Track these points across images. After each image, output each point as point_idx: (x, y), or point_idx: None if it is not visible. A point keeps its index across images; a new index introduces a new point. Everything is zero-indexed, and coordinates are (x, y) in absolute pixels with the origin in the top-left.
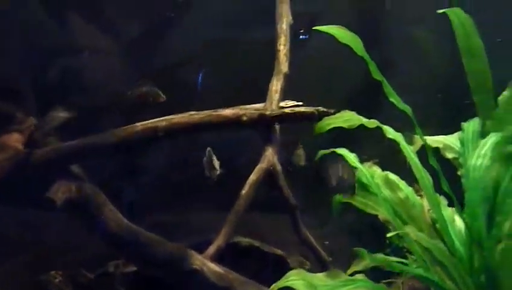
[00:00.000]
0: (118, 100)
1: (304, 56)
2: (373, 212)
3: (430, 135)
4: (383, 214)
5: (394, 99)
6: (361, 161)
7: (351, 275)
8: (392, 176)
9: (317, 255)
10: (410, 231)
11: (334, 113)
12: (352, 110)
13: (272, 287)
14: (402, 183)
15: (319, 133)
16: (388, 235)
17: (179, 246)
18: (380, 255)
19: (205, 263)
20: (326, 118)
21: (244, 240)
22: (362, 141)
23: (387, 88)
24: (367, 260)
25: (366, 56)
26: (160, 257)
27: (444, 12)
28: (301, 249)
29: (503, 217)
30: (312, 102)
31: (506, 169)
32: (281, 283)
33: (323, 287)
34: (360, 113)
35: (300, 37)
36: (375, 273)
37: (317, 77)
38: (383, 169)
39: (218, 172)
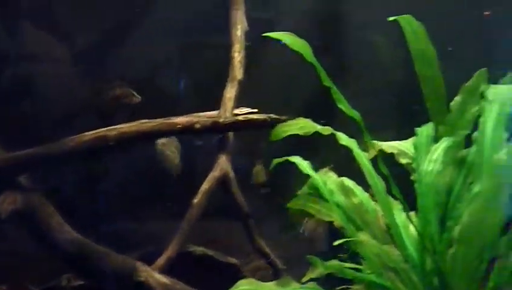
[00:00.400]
0: (88, 105)
1: (260, 63)
2: (327, 218)
3: (387, 140)
4: (336, 220)
5: (343, 105)
6: (317, 168)
7: (305, 282)
8: (348, 182)
9: (271, 264)
10: (363, 237)
11: (286, 120)
12: (311, 117)
13: None
14: (357, 189)
15: (274, 141)
16: (335, 243)
17: (126, 258)
18: (333, 262)
19: (152, 275)
20: (281, 125)
21: (198, 249)
22: (323, 149)
23: (336, 94)
24: (320, 268)
25: (316, 63)
26: (106, 270)
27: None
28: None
29: (453, 222)
30: (269, 109)
31: (458, 173)
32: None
33: None
34: (318, 120)
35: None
36: (333, 281)
37: (275, 84)
38: (341, 176)
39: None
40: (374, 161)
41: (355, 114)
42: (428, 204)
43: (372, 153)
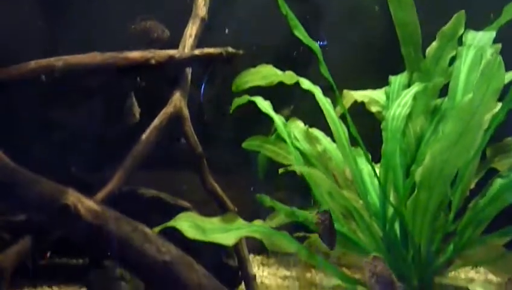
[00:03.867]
0: None
1: (232, 11)
2: (284, 161)
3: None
4: (293, 162)
5: (299, 33)
6: (287, 118)
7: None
8: (314, 131)
9: (222, 205)
10: (317, 175)
11: (243, 55)
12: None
13: (156, 228)
14: (322, 137)
15: (237, 91)
16: (280, 170)
17: (59, 186)
18: (289, 208)
19: (81, 200)
20: (243, 74)
21: (149, 192)
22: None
23: (293, 21)
24: (281, 215)
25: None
26: (32, 196)
27: None
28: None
29: (417, 166)
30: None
31: (431, 122)
32: (168, 224)
33: (211, 229)
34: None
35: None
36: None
37: (247, 33)
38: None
39: (136, 120)
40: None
41: (313, 44)
42: (392, 149)
43: (348, 102)
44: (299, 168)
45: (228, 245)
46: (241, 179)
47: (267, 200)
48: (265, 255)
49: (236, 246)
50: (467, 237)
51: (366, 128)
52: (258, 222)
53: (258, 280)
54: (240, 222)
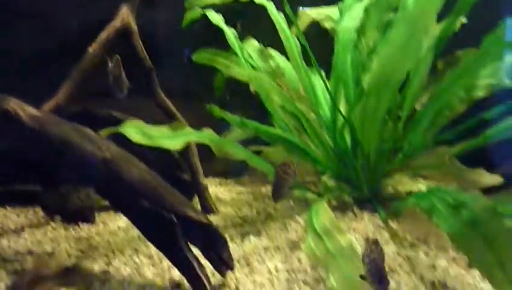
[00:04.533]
0: None
1: None
2: (235, 75)
3: None
4: (243, 75)
5: None
6: (243, 38)
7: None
8: (270, 50)
9: (171, 117)
10: (269, 87)
11: None
12: None
13: (101, 132)
14: (276, 55)
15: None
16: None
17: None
18: (239, 118)
19: (22, 107)
20: None
21: (102, 111)
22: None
23: None
24: (236, 131)
25: None
26: None
27: None
28: None
29: (365, 74)
30: None
31: (383, 35)
32: (113, 129)
33: (158, 136)
34: None
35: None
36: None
37: None
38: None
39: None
40: None
41: None
42: (343, 60)
43: (305, 21)
44: (252, 78)
45: (175, 150)
46: (200, 105)
47: (217, 110)
48: (224, 177)
49: (188, 157)
50: (415, 144)
51: (323, 51)
52: (207, 130)
53: (213, 194)
54: (188, 129)
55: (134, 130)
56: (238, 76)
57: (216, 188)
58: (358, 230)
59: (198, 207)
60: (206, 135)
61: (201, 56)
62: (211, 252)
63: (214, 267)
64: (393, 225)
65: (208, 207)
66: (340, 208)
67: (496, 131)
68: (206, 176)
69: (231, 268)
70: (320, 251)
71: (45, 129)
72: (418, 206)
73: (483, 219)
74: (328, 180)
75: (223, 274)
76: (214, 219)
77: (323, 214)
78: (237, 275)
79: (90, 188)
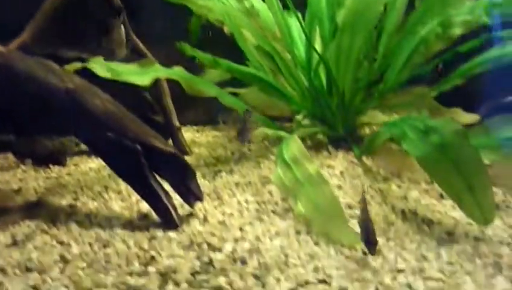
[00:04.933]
0: None
1: None
2: (209, 15)
3: None
4: (216, 13)
5: None
6: None
7: None
8: None
9: (141, 55)
10: (244, 26)
11: None
12: None
13: (67, 67)
14: None
15: None
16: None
17: None
18: (211, 56)
19: None
20: None
21: (70, 52)
22: None
23: None
24: (211, 73)
25: None
26: None
27: None
28: None
29: (340, 10)
30: None
31: None
32: (80, 65)
33: (126, 72)
34: None
35: None
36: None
37: None
38: None
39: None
40: None
41: None
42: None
43: None
44: (225, 16)
45: (144, 85)
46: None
47: (188, 49)
48: (202, 125)
49: (160, 98)
50: (391, 82)
51: None
52: (178, 68)
53: (189, 139)
54: (157, 66)
55: (100, 66)
56: (211, 15)
57: (192, 134)
58: (332, 166)
59: None
60: (176, 72)
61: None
62: (178, 183)
63: (183, 198)
64: (368, 161)
65: (181, 148)
66: (315, 147)
67: (470, 66)
68: (184, 124)
69: (200, 199)
70: (289, 179)
71: (11, 64)
72: (389, 134)
73: (453, 142)
74: (302, 119)
75: (191, 205)
76: (187, 159)
77: (293, 145)
78: (206, 206)
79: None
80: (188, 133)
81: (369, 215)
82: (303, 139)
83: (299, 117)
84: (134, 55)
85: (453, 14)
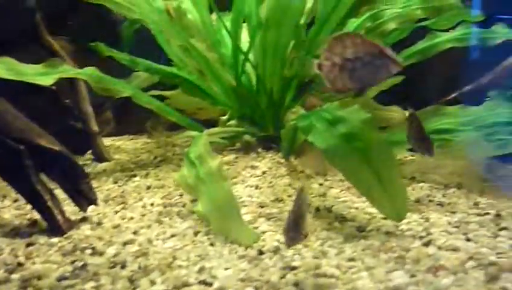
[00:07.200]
0: None
1: None
2: (129, 14)
3: None
4: (137, 14)
5: None
6: None
7: None
8: None
9: (53, 55)
10: (167, 27)
11: None
12: None
13: None
14: None
15: None
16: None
17: None
18: (127, 56)
19: None
20: None
21: None
22: None
23: None
24: (139, 77)
25: None
26: None
27: None
28: None
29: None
30: None
31: None
32: None
33: (31, 73)
34: None
35: None
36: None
37: None
38: None
39: None
40: None
41: None
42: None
43: None
44: (146, 17)
45: (46, 85)
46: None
47: (104, 49)
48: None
49: (78, 103)
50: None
51: None
52: (90, 69)
53: (115, 146)
54: (66, 66)
55: (2, 66)
56: (131, 15)
57: (124, 142)
58: (256, 167)
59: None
60: (86, 72)
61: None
62: (69, 186)
63: (74, 201)
64: (295, 161)
65: (99, 154)
66: (245, 148)
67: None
68: (122, 134)
69: (94, 203)
70: (192, 178)
71: None
72: (299, 127)
73: (359, 131)
74: (227, 120)
75: (83, 208)
76: (104, 165)
77: (200, 143)
78: (106, 210)
79: None
80: (120, 142)
81: (302, 210)
82: (233, 142)
83: (224, 118)
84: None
85: (384, 7)
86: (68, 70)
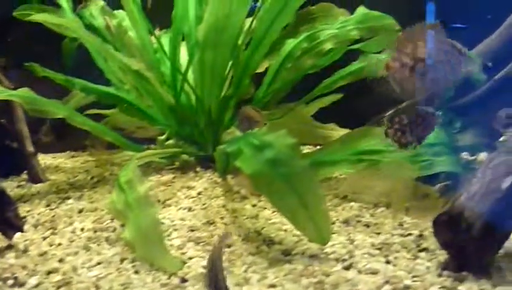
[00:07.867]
0: None
1: None
2: (70, 34)
3: None
4: (76, 33)
5: None
6: None
7: None
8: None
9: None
10: (103, 48)
11: None
12: None
13: None
14: (119, 13)
15: None
16: None
17: None
18: (63, 76)
19: None
20: None
21: None
22: None
23: None
24: (77, 96)
25: None
26: None
27: None
28: None
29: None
30: None
31: None
32: None
33: None
34: None
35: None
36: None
37: None
38: None
39: None
40: None
41: None
42: (182, 11)
43: None
44: (82, 37)
45: None
46: None
47: (39, 69)
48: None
49: (14, 124)
50: (260, 99)
51: None
52: (23, 89)
53: (54, 165)
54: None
55: None
56: (69, 33)
57: (63, 160)
58: (192, 187)
59: None
60: (18, 93)
61: (23, 13)
62: None
63: None
64: (232, 181)
65: (34, 175)
66: (183, 168)
67: (332, 80)
68: (64, 150)
69: (20, 230)
70: (121, 203)
71: None
72: (228, 152)
73: (284, 157)
74: (165, 140)
75: (8, 236)
76: (38, 187)
77: (129, 168)
78: (34, 237)
79: None
80: (60, 159)
81: (220, 266)
82: (172, 160)
83: (162, 138)
84: None
85: (321, 28)
86: (1, 92)
